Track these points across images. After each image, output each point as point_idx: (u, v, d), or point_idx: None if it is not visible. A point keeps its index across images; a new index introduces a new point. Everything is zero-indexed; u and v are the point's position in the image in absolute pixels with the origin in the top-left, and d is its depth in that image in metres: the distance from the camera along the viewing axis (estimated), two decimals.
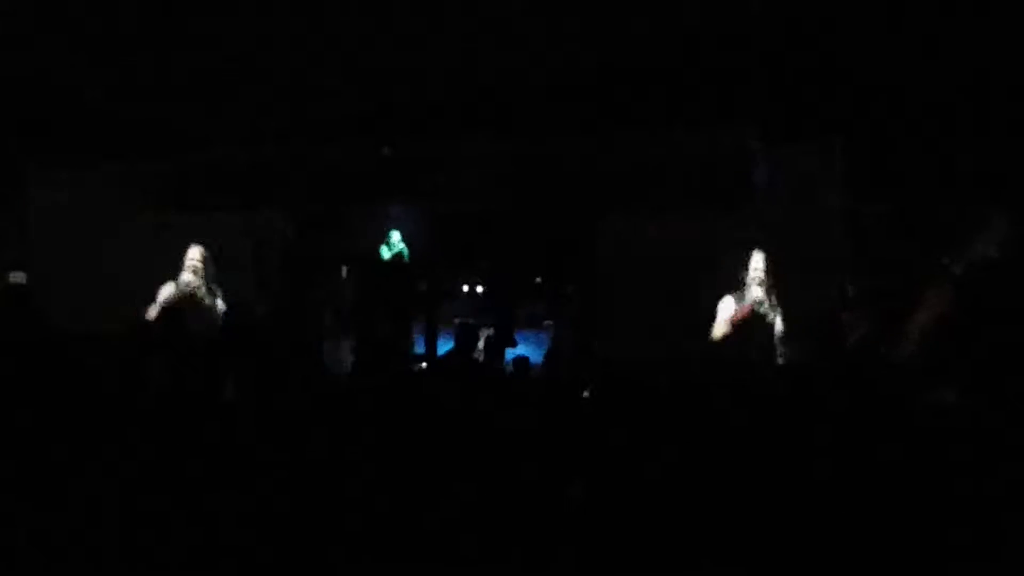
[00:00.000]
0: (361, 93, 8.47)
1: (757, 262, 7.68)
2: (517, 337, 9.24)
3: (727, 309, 7.58)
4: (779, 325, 7.31)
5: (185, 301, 7.86)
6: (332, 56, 8.17)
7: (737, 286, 7.57)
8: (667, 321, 8.17)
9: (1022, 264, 8.05)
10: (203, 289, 7.88)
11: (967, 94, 8.02)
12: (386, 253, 9.34)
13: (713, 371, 6.37)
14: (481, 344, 6.64)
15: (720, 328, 7.39)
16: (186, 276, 7.84)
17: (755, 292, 7.35)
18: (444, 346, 9.11)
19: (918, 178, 7.95)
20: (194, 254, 8.13)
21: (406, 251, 9.28)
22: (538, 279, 9.30)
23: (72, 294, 8.93)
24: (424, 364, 8.14)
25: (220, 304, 7.84)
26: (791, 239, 7.95)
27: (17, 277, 9.37)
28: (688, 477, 3.82)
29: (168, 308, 6.80)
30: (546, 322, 9.26)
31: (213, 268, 7.84)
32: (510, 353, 9.15)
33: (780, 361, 7.49)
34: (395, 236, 9.39)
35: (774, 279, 7.52)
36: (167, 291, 8.05)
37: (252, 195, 8.86)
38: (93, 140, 8.80)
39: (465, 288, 9.54)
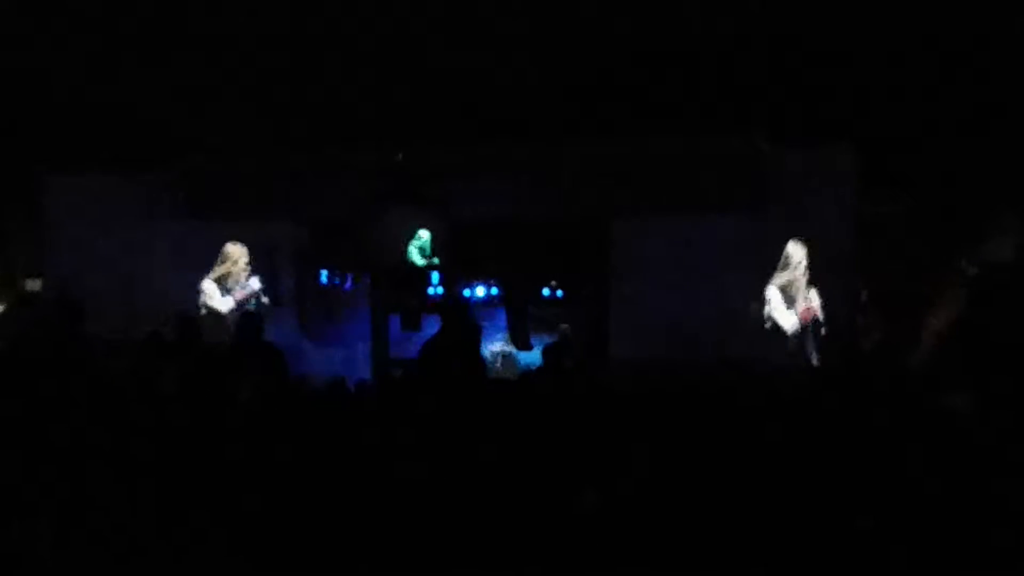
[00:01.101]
0: (374, 100, 8.50)
1: (801, 256, 7.78)
2: (532, 340, 9.28)
3: (780, 301, 7.74)
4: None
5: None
6: (347, 63, 8.22)
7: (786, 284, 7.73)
8: (683, 321, 8.23)
9: None
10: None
11: (982, 96, 7.99)
12: (418, 257, 9.05)
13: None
14: None
15: (790, 321, 7.62)
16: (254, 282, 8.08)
17: (815, 296, 7.60)
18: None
19: (931, 180, 7.93)
20: (243, 253, 8.29)
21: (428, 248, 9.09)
22: (553, 281, 9.29)
23: (86, 299, 9.02)
24: None
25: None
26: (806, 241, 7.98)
27: (33, 285, 9.44)
28: (708, 480, 3.86)
29: (183, 316, 6.81)
30: (562, 325, 9.26)
31: None
32: (525, 357, 9.22)
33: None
34: (424, 235, 9.05)
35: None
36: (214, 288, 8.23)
37: (265, 203, 8.86)
38: (108, 147, 8.83)
39: (480, 292, 9.49)
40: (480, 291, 9.28)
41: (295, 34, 8.01)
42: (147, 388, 5.26)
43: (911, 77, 8.15)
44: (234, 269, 8.41)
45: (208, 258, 8.61)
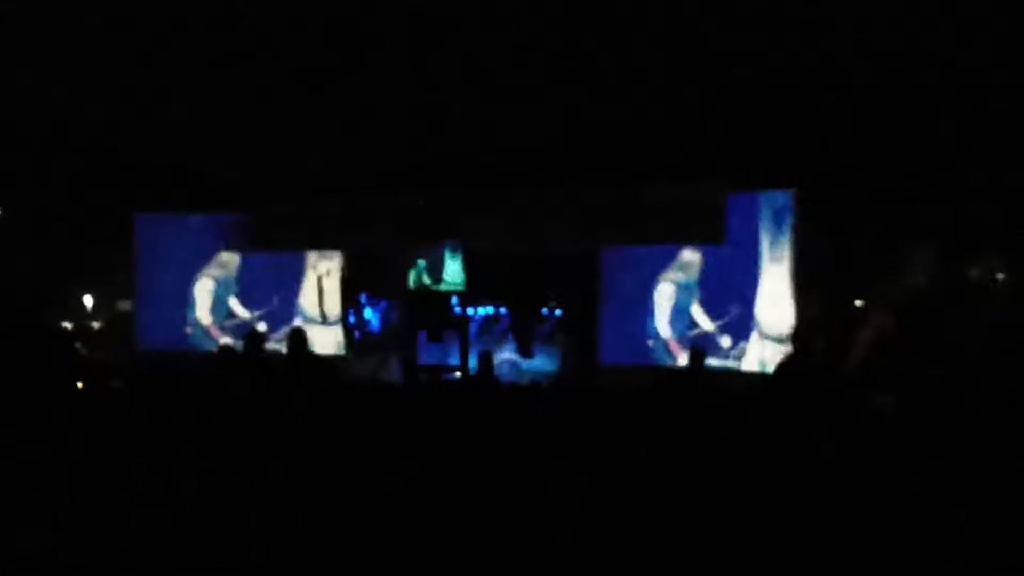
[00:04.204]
0: (401, 153, 10.22)
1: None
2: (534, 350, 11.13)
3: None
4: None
5: None
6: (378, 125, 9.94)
7: None
8: (661, 335, 10.06)
9: (945, 288, 9.73)
10: None
11: (905, 149, 9.63)
12: (427, 279, 10.37)
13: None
14: None
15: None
16: None
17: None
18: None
19: (861, 222, 9.56)
20: None
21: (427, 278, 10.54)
22: (552, 302, 11.12)
23: (169, 317, 10.95)
24: (459, 373, 9.86)
25: None
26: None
27: (125, 305, 11.27)
28: (671, 478, 4.21)
29: (253, 332, 8.04)
30: (558, 336, 11.12)
31: None
32: (527, 364, 11.01)
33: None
34: (421, 262, 10.41)
35: None
36: None
37: (314, 237, 10.72)
38: (188, 192, 10.61)
39: (482, 311, 11.29)
40: (491, 310, 11.12)
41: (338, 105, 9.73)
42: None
43: (849, 135, 9.80)
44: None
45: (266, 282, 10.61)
